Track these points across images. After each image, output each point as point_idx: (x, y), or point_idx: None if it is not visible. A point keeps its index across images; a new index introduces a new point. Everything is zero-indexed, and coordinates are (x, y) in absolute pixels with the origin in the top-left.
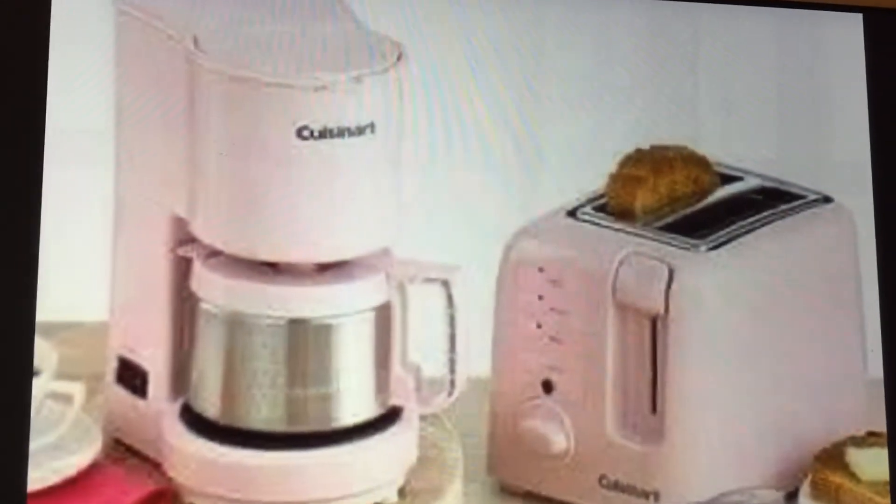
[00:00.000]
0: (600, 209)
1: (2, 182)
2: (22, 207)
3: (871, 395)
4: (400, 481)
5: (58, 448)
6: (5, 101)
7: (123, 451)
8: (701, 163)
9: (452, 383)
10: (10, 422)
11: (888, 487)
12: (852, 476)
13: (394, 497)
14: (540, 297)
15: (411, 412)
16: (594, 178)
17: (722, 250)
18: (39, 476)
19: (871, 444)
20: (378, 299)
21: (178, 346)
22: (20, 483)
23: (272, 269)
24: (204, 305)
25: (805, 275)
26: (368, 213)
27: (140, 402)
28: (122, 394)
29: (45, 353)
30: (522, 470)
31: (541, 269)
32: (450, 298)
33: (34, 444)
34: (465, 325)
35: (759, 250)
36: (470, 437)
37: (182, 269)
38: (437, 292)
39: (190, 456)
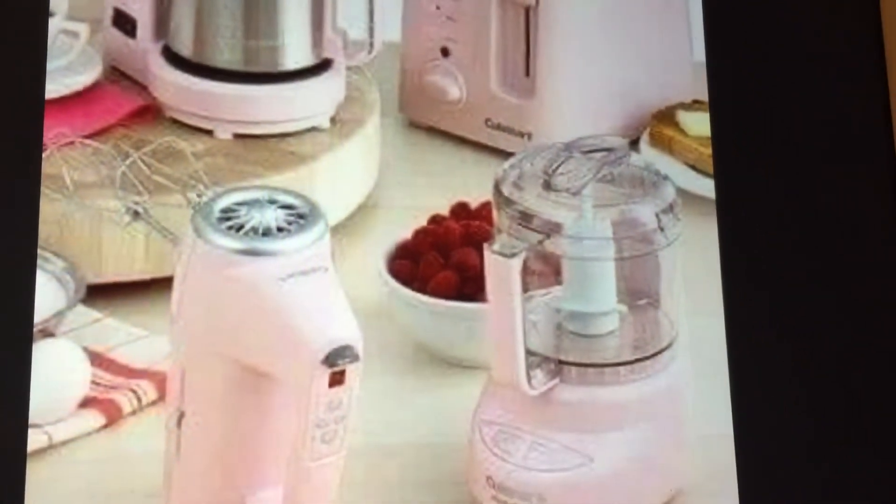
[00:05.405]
0: None
1: None
2: None
3: (696, 74)
4: (331, 112)
5: (68, 70)
6: None
7: (119, 76)
8: None
9: (371, 45)
10: (30, 61)
11: (709, 141)
12: (682, 131)
13: (326, 124)
14: None
15: (340, 63)
16: None
17: None
18: (55, 89)
19: (697, 109)
20: None
21: (160, 1)
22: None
23: None
24: None
25: None
26: None
27: (131, 41)
28: (117, 34)
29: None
30: (426, 111)
31: None
32: None
33: (51, 66)
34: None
35: None
36: (385, 85)
37: None
38: None
39: (170, 83)
